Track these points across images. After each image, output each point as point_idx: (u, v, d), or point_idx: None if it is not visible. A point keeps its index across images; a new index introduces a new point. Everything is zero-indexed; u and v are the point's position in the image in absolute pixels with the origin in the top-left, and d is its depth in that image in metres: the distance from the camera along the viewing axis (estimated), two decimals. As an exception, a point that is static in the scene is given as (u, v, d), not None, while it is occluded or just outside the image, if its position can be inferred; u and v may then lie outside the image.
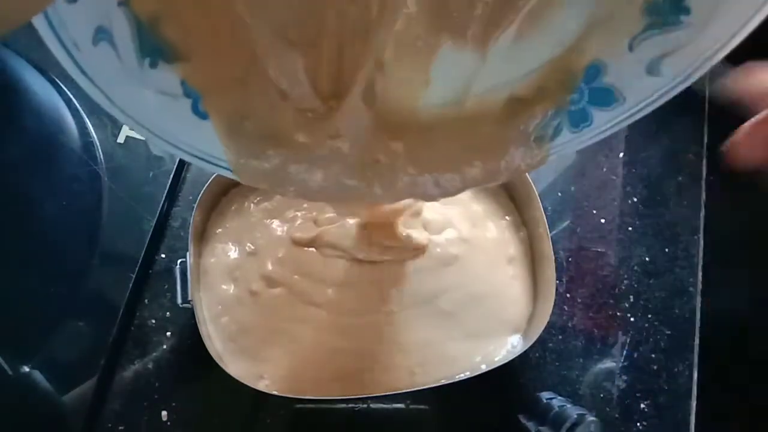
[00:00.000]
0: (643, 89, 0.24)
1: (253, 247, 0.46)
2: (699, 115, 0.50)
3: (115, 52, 0.22)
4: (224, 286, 0.45)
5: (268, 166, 0.26)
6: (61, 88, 0.51)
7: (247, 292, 0.44)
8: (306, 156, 0.27)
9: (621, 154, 0.53)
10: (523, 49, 0.25)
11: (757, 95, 0.22)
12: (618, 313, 0.49)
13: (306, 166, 0.27)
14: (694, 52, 0.21)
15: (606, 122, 0.25)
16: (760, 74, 0.21)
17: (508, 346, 0.45)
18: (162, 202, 0.48)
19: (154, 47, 0.23)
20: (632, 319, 0.49)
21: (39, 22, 0.19)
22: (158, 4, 0.22)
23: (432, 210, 0.47)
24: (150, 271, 0.47)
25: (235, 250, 0.46)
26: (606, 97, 0.25)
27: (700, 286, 0.50)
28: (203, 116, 0.25)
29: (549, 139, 0.26)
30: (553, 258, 0.44)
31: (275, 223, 0.47)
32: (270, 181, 0.27)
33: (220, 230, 0.46)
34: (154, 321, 0.47)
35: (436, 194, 0.28)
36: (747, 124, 0.23)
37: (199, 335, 0.41)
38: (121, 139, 0.50)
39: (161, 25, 0.23)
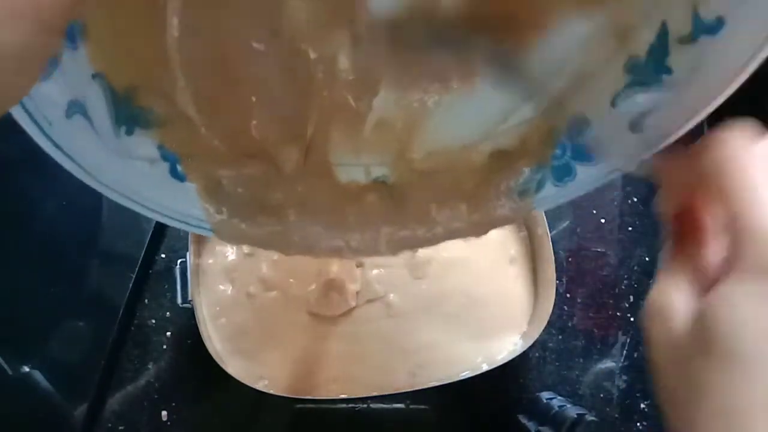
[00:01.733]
0: (626, 145, 0.23)
1: (249, 249, 0.46)
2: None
3: (89, 123, 0.22)
4: (222, 288, 0.45)
5: (246, 227, 0.27)
6: (61, 88, 0.51)
7: (244, 293, 0.44)
8: (283, 221, 0.27)
9: (621, 154, 0.53)
10: (503, 98, 0.25)
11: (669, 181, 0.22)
12: (618, 313, 0.49)
13: (284, 229, 0.27)
14: (677, 111, 0.21)
15: (590, 177, 0.25)
16: (676, 162, 0.22)
17: (509, 347, 0.45)
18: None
19: (130, 116, 0.23)
20: (632, 319, 0.49)
21: None
22: (135, 76, 0.22)
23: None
24: (150, 271, 0.47)
25: (233, 252, 0.46)
26: (589, 153, 0.25)
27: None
28: (182, 178, 0.25)
29: (533, 192, 0.27)
30: (553, 258, 0.44)
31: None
32: (252, 241, 0.27)
33: (219, 230, 0.46)
34: (154, 321, 0.47)
35: (422, 246, 0.28)
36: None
37: (199, 335, 0.41)
38: (121, 139, 0.50)
39: (137, 95, 0.23)
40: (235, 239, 0.27)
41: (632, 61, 0.22)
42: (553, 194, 0.26)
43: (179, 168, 0.25)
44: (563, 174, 0.26)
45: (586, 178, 0.25)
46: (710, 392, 0.16)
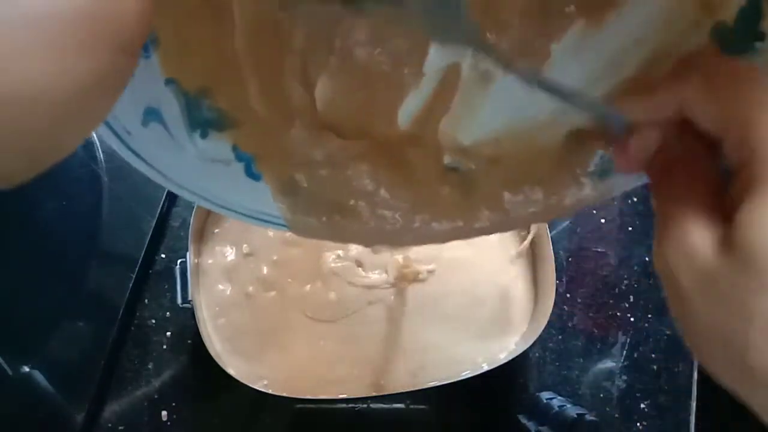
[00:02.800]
0: None
1: (248, 249, 0.46)
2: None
3: (165, 129, 0.22)
4: (221, 288, 0.45)
5: (325, 221, 0.27)
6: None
7: (243, 294, 0.44)
8: (357, 218, 0.27)
9: (621, 154, 0.53)
10: (579, 73, 0.24)
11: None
12: (618, 313, 0.49)
13: (358, 225, 0.27)
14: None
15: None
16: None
17: (509, 347, 0.45)
18: (162, 202, 0.48)
19: (203, 119, 0.23)
20: (632, 319, 0.49)
21: None
22: (205, 78, 0.23)
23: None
24: (150, 271, 0.47)
25: (232, 252, 0.46)
26: None
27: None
28: (257, 177, 0.26)
29: (614, 173, 0.25)
30: (553, 258, 0.44)
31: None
32: (326, 236, 0.27)
33: (217, 230, 0.46)
34: (154, 321, 0.47)
35: (493, 232, 0.28)
36: (615, 146, 0.22)
37: (199, 335, 0.41)
38: (121, 139, 0.50)
39: (209, 98, 0.23)
40: (311, 234, 0.27)
41: (719, 28, 0.20)
42: (633, 174, 0.25)
43: (254, 168, 0.26)
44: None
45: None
46: (760, 311, 0.16)
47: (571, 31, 0.23)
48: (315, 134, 0.25)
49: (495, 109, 0.25)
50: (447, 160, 0.27)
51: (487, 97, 0.25)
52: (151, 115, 0.22)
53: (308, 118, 0.25)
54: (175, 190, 0.24)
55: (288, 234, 0.46)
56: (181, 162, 0.24)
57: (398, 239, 0.28)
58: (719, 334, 0.17)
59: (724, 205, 0.17)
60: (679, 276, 0.17)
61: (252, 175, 0.26)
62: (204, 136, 0.24)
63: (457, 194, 0.27)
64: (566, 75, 0.24)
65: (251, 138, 0.25)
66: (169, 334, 0.46)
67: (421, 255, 0.46)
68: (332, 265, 0.46)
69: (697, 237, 0.17)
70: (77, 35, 0.13)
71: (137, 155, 0.22)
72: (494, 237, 0.48)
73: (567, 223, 0.51)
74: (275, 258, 0.45)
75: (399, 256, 0.46)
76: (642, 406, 0.47)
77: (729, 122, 0.17)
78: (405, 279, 0.45)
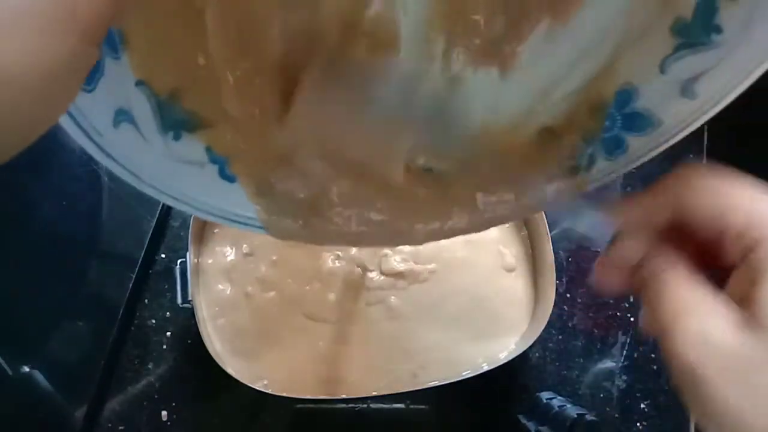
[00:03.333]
0: (678, 112, 0.22)
1: (248, 249, 0.46)
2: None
3: (137, 131, 0.22)
4: (221, 288, 0.45)
5: (301, 223, 0.27)
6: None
7: (242, 294, 0.44)
8: (333, 219, 0.27)
9: (621, 154, 0.53)
10: (547, 71, 0.24)
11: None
12: (618, 313, 0.49)
13: (340, 222, 0.27)
14: (730, 72, 0.20)
15: (642, 148, 0.24)
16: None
17: (509, 347, 0.45)
18: (162, 201, 0.48)
19: (175, 121, 0.23)
20: (632, 319, 0.49)
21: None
22: (177, 80, 0.22)
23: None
24: (150, 271, 0.47)
25: (232, 252, 0.46)
26: (640, 123, 0.24)
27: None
28: (231, 179, 0.26)
29: (584, 169, 0.25)
30: (553, 258, 0.44)
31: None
32: (303, 238, 0.27)
33: (217, 230, 0.46)
34: (154, 321, 0.47)
35: (470, 231, 0.28)
36: (597, 262, 0.23)
37: (199, 335, 0.41)
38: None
39: (181, 99, 0.23)
40: (288, 236, 0.27)
41: (679, 23, 0.21)
42: (604, 169, 0.25)
43: (228, 169, 0.25)
44: (614, 147, 0.25)
45: (638, 149, 0.24)
46: None
47: (538, 30, 0.23)
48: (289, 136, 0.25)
49: (465, 110, 0.25)
50: (421, 161, 0.27)
51: (456, 100, 0.25)
52: (122, 116, 0.22)
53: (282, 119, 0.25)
54: (150, 192, 0.24)
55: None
56: (155, 164, 0.23)
57: (375, 240, 0.28)
58: (747, 414, 0.16)
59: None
60: (698, 365, 0.17)
61: (226, 177, 0.25)
62: (177, 137, 0.23)
63: (432, 195, 0.27)
64: (534, 74, 0.24)
65: (224, 140, 0.24)
66: (169, 334, 0.46)
67: (421, 255, 0.46)
68: (331, 265, 0.46)
69: (712, 322, 0.17)
70: (36, 20, 0.13)
71: (109, 156, 0.22)
72: (494, 237, 0.48)
73: (567, 223, 0.51)
74: (274, 258, 0.45)
75: (398, 257, 0.46)
76: (642, 406, 0.47)
77: (727, 221, 0.18)
78: (405, 279, 0.45)
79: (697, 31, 0.21)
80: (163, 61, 0.21)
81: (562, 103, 0.25)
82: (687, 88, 0.22)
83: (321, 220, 0.27)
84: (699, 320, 0.17)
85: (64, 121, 0.20)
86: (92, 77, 0.20)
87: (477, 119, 0.26)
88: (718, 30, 0.20)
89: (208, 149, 0.25)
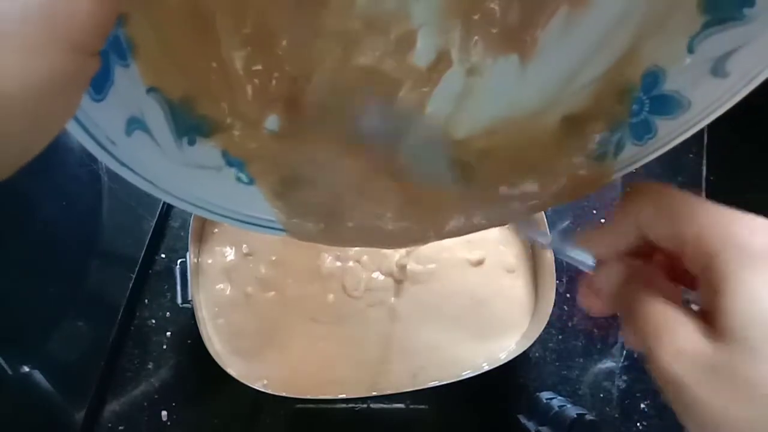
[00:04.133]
0: (709, 93, 0.22)
1: (248, 249, 0.46)
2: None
3: (150, 138, 0.22)
4: (221, 288, 0.45)
5: (322, 225, 0.26)
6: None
7: (242, 294, 0.44)
8: (352, 222, 0.27)
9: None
10: (569, 58, 0.23)
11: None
12: (618, 314, 0.49)
13: (360, 224, 0.27)
14: (764, 47, 0.19)
15: (672, 131, 0.23)
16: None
17: (509, 347, 0.45)
18: (162, 202, 0.48)
19: (189, 125, 0.23)
20: (632, 319, 0.49)
21: (71, 127, 0.19)
22: (188, 85, 0.22)
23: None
24: (150, 271, 0.47)
25: (231, 252, 0.46)
26: (669, 105, 0.23)
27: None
28: (249, 182, 0.25)
29: (612, 156, 0.25)
30: (553, 258, 0.44)
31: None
32: (324, 240, 0.27)
33: (217, 230, 0.46)
34: (154, 321, 0.47)
35: (492, 226, 0.27)
36: (579, 288, 0.24)
37: (199, 335, 0.41)
38: (121, 139, 0.50)
39: (194, 103, 0.23)
40: (309, 238, 0.27)
41: None
42: (633, 155, 0.24)
43: (246, 172, 0.25)
44: (643, 132, 0.24)
45: (668, 133, 0.23)
46: (762, 382, 0.17)
47: (557, 16, 0.22)
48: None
49: (485, 101, 0.25)
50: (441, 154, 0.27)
51: (476, 90, 0.25)
52: (135, 124, 0.21)
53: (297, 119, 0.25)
54: (167, 199, 0.24)
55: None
56: (171, 171, 0.23)
57: (395, 241, 0.27)
58: (730, 417, 0.18)
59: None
60: (679, 376, 0.18)
61: (244, 180, 0.25)
62: (192, 143, 0.23)
63: (453, 191, 0.27)
64: (555, 61, 0.24)
65: (240, 143, 0.24)
66: (169, 334, 0.46)
67: (421, 255, 0.46)
68: (330, 266, 0.46)
69: (686, 336, 0.19)
70: (28, 34, 0.13)
71: (125, 165, 0.22)
72: (495, 237, 0.48)
73: (567, 223, 0.51)
74: (274, 258, 0.45)
75: (397, 257, 0.46)
76: (642, 406, 0.47)
77: (683, 237, 0.19)
78: (405, 280, 0.45)
79: (727, 5, 0.20)
80: (173, 66, 0.21)
81: (586, 90, 0.24)
82: (718, 67, 0.21)
83: (340, 221, 0.27)
84: (674, 337, 0.19)
85: (77, 132, 0.19)
86: (102, 86, 0.19)
87: (498, 109, 0.25)
88: (751, 3, 0.19)
89: (225, 153, 0.24)
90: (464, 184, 0.26)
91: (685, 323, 0.19)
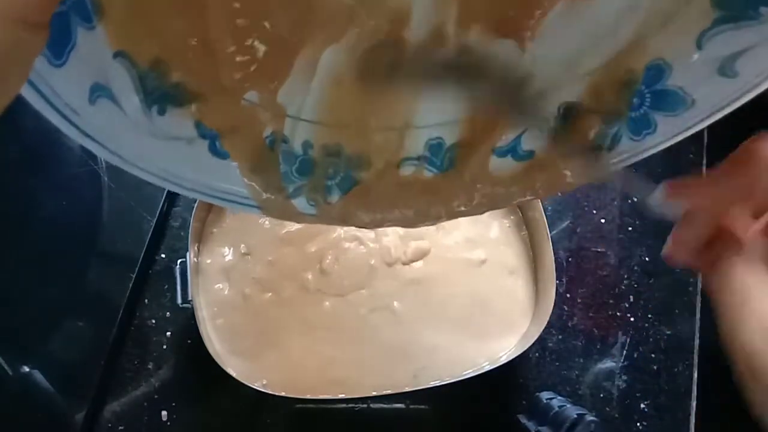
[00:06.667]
0: (714, 92, 0.21)
1: (246, 249, 0.46)
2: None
3: (116, 106, 0.21)
4: (220, 288, 0.45)
5: (292, 204, 0.26)
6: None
7: (240, 294, 0.44)
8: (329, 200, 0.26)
9: (621, 154, 0.53)
10: (569, 45, 0.22)
11: (681, 210, 0.21)
12: (618, 313, 0.49)
13: (328, 207, 0.26)
14: None
15: (672, 129, 0.22)
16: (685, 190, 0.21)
17: (509, 347, 0.45)
18: (162, 202, 0.48)
19: (160, 94, 0.21)
20: (632, 319, 0.49)
21: (28, 94, 0.18)
22: (161, 49, 0.21)
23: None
24: (150, 271, 0.47)
25: (230, 252, 0.46)
26: (671, 101, 0.22)
27: (700, 286, 0.50)
28: (224, 155, 0.24)
29: (606, 149, 0.24)
30: (554, 258, 0.44)
31: (266, 223, 0.47)
32: (300, 217, 0.26)
33: (216, 230, 0.46)
34: (154, 321, 0.46)
35: (482, 211, 0.27)
36: (670, 237, 0.22)
37: (199, 335, 0.41)
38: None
39: (168, 71, 0.21)
40: (282, 216, 0.26)
41: None
42: (629, 149, 0.24)
43: (219, 145, 0.24)
44: (641, 126, 0.23)
45: (668, 130, 0.23)
46: None
47: (560, 3, 0.22)
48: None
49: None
50: (433, 133, 0.26)
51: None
52: (99, 91, 0.20)
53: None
54: (135, 172, 0.23)
55: (284, 233, 0.46)
56: (138, 141, 0.22)
57: (379, 223, 0.27)
58: None
59: None
60: (764, 352, 0.17)
61: (217, 152, 0.24)
62: (162, 112, 0.22)
63: (444, 176, 0.26)
64: (557, 48, 0.23)
65: (217, 113, 0.23)
66: (169, 334, 0.46)
67: (422, 255, 0.46)
68: (330, 266, 0.45)
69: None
70: None
71: (88, 136, 0.20)
72: (495, 237, 0.48)
73: (567, 223, 0.51)
74: (270, 258, 0.45)
75: (398, 257, 0.46)
76: (642, 406, 0.47)
77: None
78: (405, 280, 0.45)
79: (743, 3, 0.19)
80: (146, 30, 0.20)
81: (586, 79, 0.23)
82: (726, 67, 0.20)
83: (314, 197, 0.26)
84: (762, 308, 0.17)
85: (34, 100, 0.18)
86: (62, 50, 0.18)
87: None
88: (767, 2, 0.19)
89: (198, 124, 0.23)
90: (457, 169, 0.26)
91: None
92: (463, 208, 0.27)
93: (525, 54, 0.23)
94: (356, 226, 0.27)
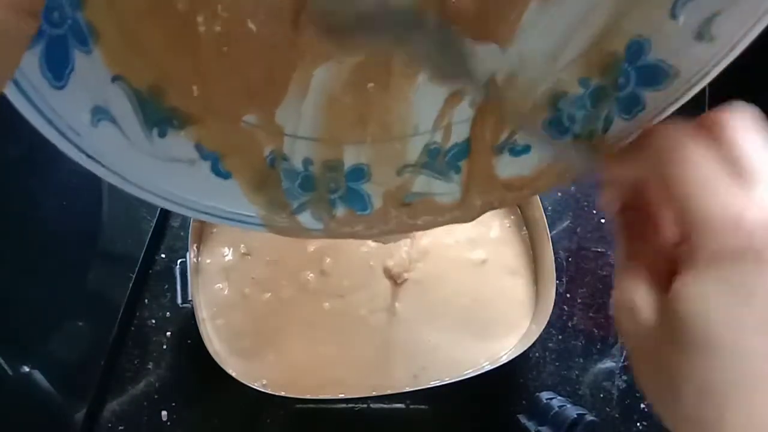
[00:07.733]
0: (695, 59, 0.21)
1: (245, 249, 0.46)
2: (698, 111, 0.50)
3: (118, 129, 0.21)
4: (219, 288, 0.45)
5: (295, 222, 0.26)
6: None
7: (240, 294, 0.44)
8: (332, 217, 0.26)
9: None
10: (549, 38, 0.23)
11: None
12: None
13: (334, 225, 0.26)
14: (747, 8, 0.19)
15: (660, 102, 0.23)
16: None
17: (509, 347, 0.45)
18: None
19: (160, 116, 0.22)
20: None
21: (30, 114, 0.18)
22: (156, 74, 0.21)
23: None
24: (150, 271, 0.47)
25: (230, 252, 0.46)
26: (656, 75, 0.22)
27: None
28: (225, 176, 0.24)
29: (600, 132, 0.24)
30: (554, 258, 0.44)
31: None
32: (307, 233, 0.26)
33: (215, 230, 0.46)
34: (154, 321, 0.46)
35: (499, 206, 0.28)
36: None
37: (199, 335, 0.41)
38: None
39: (163, 94, 0.21)
40: (290, 233, 0.26)
41: None
42: (622, 129, 0.24)
43: (221, 165, 0.24)
44: (632, 105, 0.23)
45: (658, 104, 0.23)
46: (686, 378, 0.17)
47: (529, 7, 0.22)
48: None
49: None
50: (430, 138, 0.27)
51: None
52: (101, 114, 0.20)
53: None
54: (137, 193, 0.23)
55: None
56: (140, 163, 0.22)
57: (379, 235, 0.27)
58: (657, 392, 0.19)
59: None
60: (621, 326, 0.19)
61: (220, 173, 0.24)
62: (163, 134, 0.22)
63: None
64: (533, 42, 0.23)
65: (216, 135, 0.23)
66: (169, 334, 0.46)
67: (423, 255, 0.46)
68: (330, 266, 0.45)
69: (642, 297, 0.19)
70: None
71: (90, 158, 0.20)
72: (495, 237, 0.48)
73: (567, 222, 0.51)
74: (270, 259, 0.45)
75: (398, 257, 0.46)
76: (642, 406, 0.47)
77: (671, 198, 0.18)
78: (405, 280, 0.45)
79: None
80: (139, 58, 0.20)
81: (570, 67, 0.24)
82: (703, 31, 0.20)
83: (318, 213, 0.26)
84: (633, 288, 0.19)
85: (37, 122, 0.18)
86: (62, 72, 0.18)
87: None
88: None
89: (198, 145, 0.23)
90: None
91: (646, 287, 0.19)
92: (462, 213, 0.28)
93: (505, 53, 0.23)
94: (364, 239, 0.28)
